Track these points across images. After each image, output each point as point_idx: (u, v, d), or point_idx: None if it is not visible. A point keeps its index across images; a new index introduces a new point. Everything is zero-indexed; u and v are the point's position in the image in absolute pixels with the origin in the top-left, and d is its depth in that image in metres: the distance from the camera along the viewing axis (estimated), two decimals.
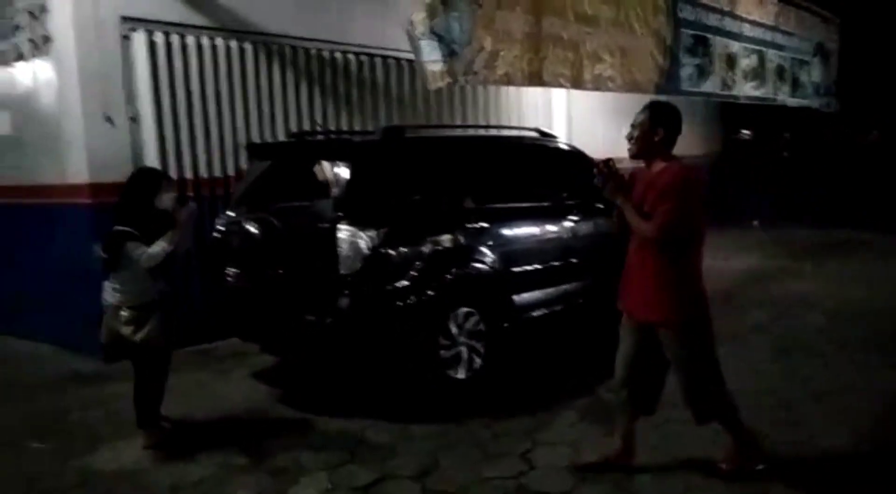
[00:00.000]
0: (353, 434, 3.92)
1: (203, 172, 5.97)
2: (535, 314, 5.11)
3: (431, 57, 5.04)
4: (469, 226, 4.69)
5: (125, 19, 5.43)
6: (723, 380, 3.19)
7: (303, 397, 4.63)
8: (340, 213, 4.15)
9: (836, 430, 3.76)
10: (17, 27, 5.82)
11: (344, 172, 4.34)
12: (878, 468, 3.42)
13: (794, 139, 13.98)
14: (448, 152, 4.98)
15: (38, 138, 5.72)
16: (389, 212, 4.31)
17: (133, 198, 3.72)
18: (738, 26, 8.64)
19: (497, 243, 4.79)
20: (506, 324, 4.81)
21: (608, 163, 3.15)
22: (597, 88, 6.44)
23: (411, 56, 5.43)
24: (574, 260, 5.33)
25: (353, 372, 4.77)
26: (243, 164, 5.86)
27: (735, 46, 8.61)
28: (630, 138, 3.17)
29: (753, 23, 8.97)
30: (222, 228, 4.95)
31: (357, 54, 7.06)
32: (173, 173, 5.74)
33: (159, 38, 5.64)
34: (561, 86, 6.32)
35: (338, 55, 6.91)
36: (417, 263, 4.31)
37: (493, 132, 7.21)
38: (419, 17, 5.01)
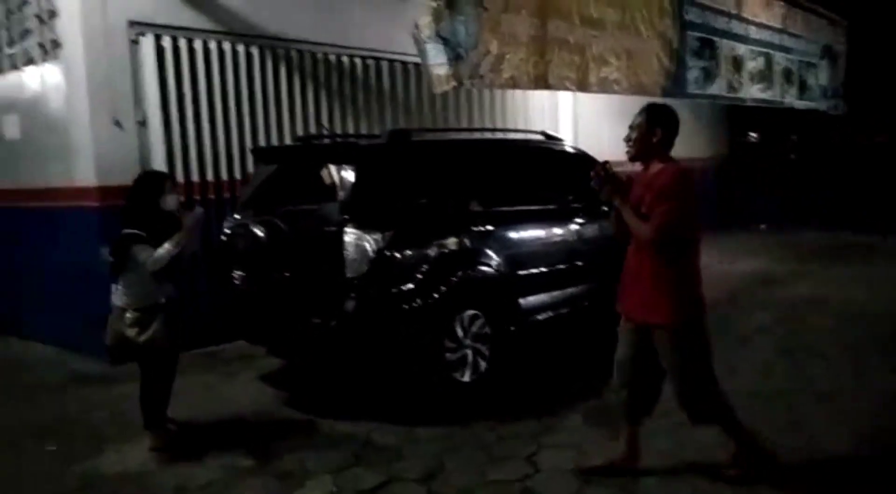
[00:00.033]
0: (358, 436, 3.93)
1: (210, 176, 6.00)
2: (540, 317, 5.11)
3: (437, 60, 5.05)
4: (475, 229, 4.69)
5: (133, 24, 5.47)
6: (716, 382, 3.19)
7: (309, 400, 4.65)
8: (346, 217, 4.16)
9: (839, 433, 3.75)
10: (26, 32, 5.88)
11: (350, 176, 4.35)
12: (881, 471, 3.41)
13: (801, 141, 13.93)
14: (454, 155, 4.99)
15: (47, 141, 5.77)
16: (395, 216, 4.32)
17: (138, 201, 3.75)
18: (744, 29, 8.62)
19: (503, 246, 4.79)
20: (511, 328, 4.81)
21: (604, 165, 3.16)
22: (602, 91, 6.44)
23: (418, 60, 5.44)
24: (580, 263, 5.33)
25: (359, 375, 4.78)
26: (250, 168, 5.89)
27: (742, 49, 8.60)
28: (628, 140, 3.18)
29: (760, 25, 8.96)
30: (229, 231, 4.97)
31: (364, 58, 7.08)
32: (180, 176, 5.79)
33: (167, 42, 5.69)
34: (566, 89, 6.33)
35: (344, 59, 6.94)
36: (423, 266, 4.32)
37: (499, 135, 7.21)
38: (425, 20, 5.02)
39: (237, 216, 4.98)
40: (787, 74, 9.80)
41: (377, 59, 7.19)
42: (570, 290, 5.29)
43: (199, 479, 3.48)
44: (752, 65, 8.86)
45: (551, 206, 5.36)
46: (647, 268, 3.09)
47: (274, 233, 4.54)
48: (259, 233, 4.59)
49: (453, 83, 5.15)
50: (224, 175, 6.09)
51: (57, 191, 5.71)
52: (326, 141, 6.09)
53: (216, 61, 6.00)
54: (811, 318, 6.31)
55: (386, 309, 4.20)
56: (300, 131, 6.55)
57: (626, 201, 3.11)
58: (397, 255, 4.23)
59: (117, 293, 3.72)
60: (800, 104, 10.22)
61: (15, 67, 6.06)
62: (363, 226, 4.12)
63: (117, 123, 5.41)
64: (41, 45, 5.71)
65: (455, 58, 5.00)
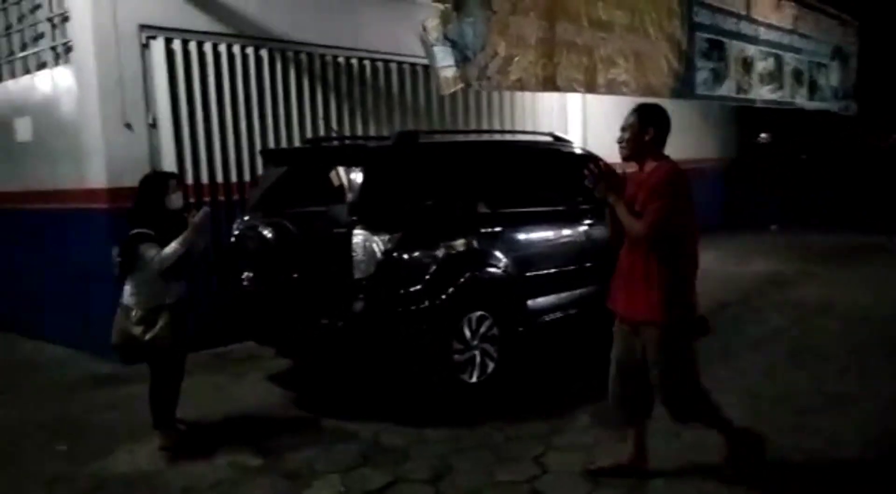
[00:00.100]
0: (366, 437, 3.94)
1: (220, 177, 6.04)
2: (548, 318, 5.12)
3: (445, 62, 5.06)
4: (483, 230, 4.70)
5: (144, 27, 5.52)
6: (699, 381, 3.19)
7: (317, 400, 4.67)
8: (355, 218, 4.18)
9: (846, 435, 3.74)
10: (39, 36, 5.95)
11: (358, 177, 4.37)
12: (887, 473, 3.39)
13: (812, 143, 13.85)
14: (462, 157, 5.00)
15: (59, 144, 5.82)
16: (403, 217, 4.34)
17: (143, 201, 3.80)
18: (754, 30, 8.57)
19: (511, 247, 4.80)
20: (519, 329, 4.82)
21: (598, 163, 3.18)
22: (611, 93, 6.43)
23: (426, 62, 5.46)
24: (588, 265, 5.32)
25: (367, 376, 4.79)
26: (260, 170, 5.92)
27: (751, 50, 8.55)
28: (621, 141, 3.20)
29: (770, 26, 8.90)
30: (238, 233, 5.00)
31: (372, 60, 7.11)
32: (190, 178, 5.84)
33: (177, 45, 5.73)
34: (575, 91, 6.32)
35: (353, 61, 6.97)
36: (431, 267, 4.34)
37: (508, 137, 7.22)
38: (433, 23, 5.04)
39: (246, 217, 5.02)
40: (798, 75, 9.73)
41: (386, 62, 7.21)
42: (577, 291, 5.28)
43: (208, 478, 3.51)
44: (762, 66, 8.81)
45: (559, 208, 5.36)
46: (639, 267, 3.10)
47: (283, 235, 4.56)
48: (268, 234, 4.61)
49: (461, 85, 5.15)
50: (234, 177, 6.13)
51: (68, 193, 5.76)
52: (335, 143, 6.12)
53: (226, 64, 6.04)
54: (820, 320, 6.27)
55: (394, 310, 4.21)
56: (309, 133, 6.59)
57: (620, 199, 3.12)
58: (405, 257, 4.25)
59: (126, 293, 3.76)
60: (810, 105, 10.15)
61: (27, 71, 6.12)
62: (371, 227, 4.13)
63: (128, 126, 5.46)
64: (53, 49, 5.78)
65: (463, 60, 5.01)
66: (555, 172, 5.47)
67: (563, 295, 5.22)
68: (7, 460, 3.86)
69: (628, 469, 3.33)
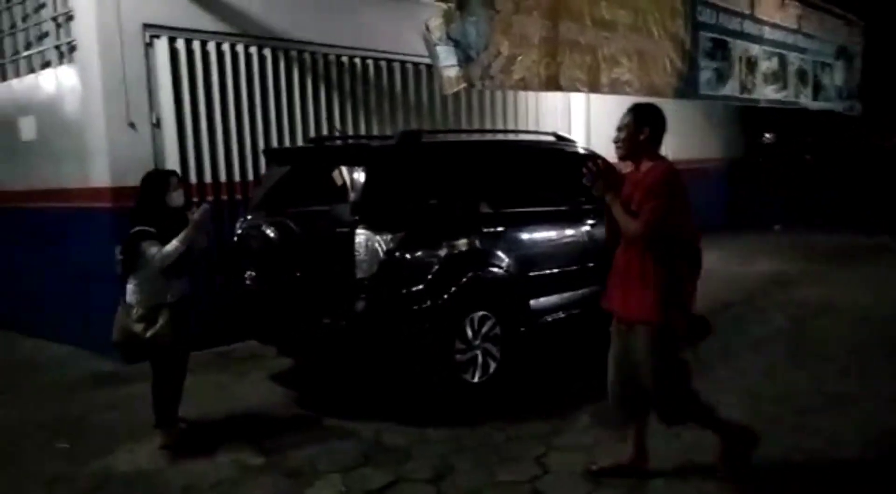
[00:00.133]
0: (368, 436, 3.95)
1: (223, 177, 6.05)
2: (551, 318, 5.11)
3: (448, 62, 5.06)
4: (485, 230, 4.70)
5: (148, 26, 5.53)
6: (689, 382, 3.20)
7: (319, 399, 4.68)
8: (357, 218, 4.18)
9: (846, 435, 3.74)
10: (43, 35, 5.97)
11: (361, 177, 4.38)
12: (886, 475, 3.39)
13: (817, 142, 13.81)
14: (465, 157, 5.00)
15: (63, 143, 5.84)
16: (406, 217, 4.34)
17: (145, 199, 3.81)
18: (758, 29, 8.56)
19: (513, 247, 4.80)
20: (522, 329, 4.82)
21: (596, 161, 3.19)
22: (614, 92, 6.43)
23: (429, 61, 5.47)
24: (590, 265, 5.31)
25: (369, 375, 4.80)
26: (263, 169, 5.93)
27: (755, 49, 8.54)
28: (617, 141, 3.21)
29: (774, 26, 8.89)
30: (241, 232, 5.01)
31: (375, 60, 7.11)
32: (194, 177, 5.85)
33: (181, 44, 5.75)
34: (578, 90, 6.32)
35: (356, 60, 6.98)
36: (434, 267, 4.34)
37: (511, 136, 7.22)
38: (436, 22, 5.04)
39: (249, 217, 5.03)
40: (802, 75, 9.71)
41: (389, 61, 7.21)
42: (580, 292, 5.28)
43: (210, 477, 3.51)
44: (766, 65, 8.80)
45: (562, 208, 5.35)
46: (635, 267, 3.10)
47: (285, 234, 4.57)
48: (271, 233, 4.62)
49: (463, 84, 5.16)
50: (237, 176, 6.14)
51: (72, 192, 5.78)
52: (338, 142, 6.13)
53: (229, 63, 6.05)
54: (821, 321, 6.26)
55: (396, 309, 4.22)
56: (312, 132, 6.59)
57: (616, 197, 3.12)
58: (408, 256, 4.25)
59: (129, 291, 3.77)
60: (814, 105, 10.13)
61: (32, 70, 6.14)
62: (374, 226, 4.14)
63: (132, 125, 5.47)
64: (57, 48, 5.80)
65: (466, 59, 5.01)
66: (558, 172, 5.46)
67: (566, 295, 5.21)
68: (7, 459, 3.87)
69: (629, 469, 3.34)
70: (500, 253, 4.70)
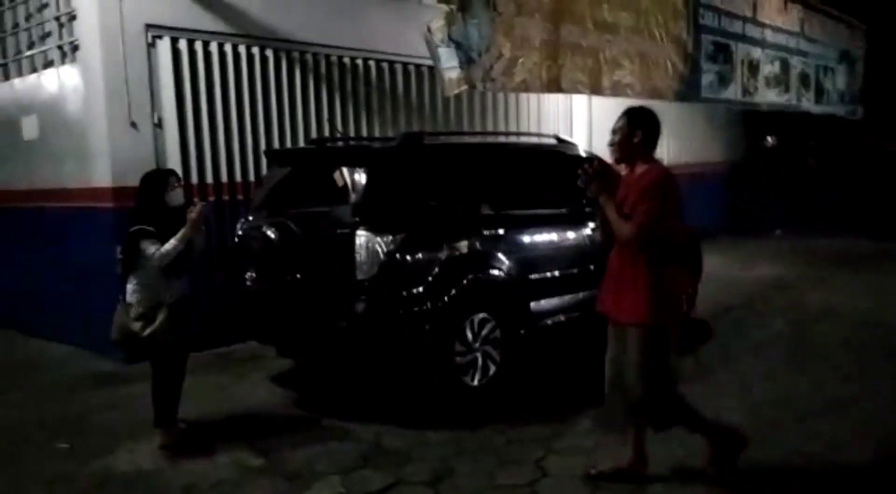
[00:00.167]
0: (367, 438, 3.94)
1: (224, 177, 6.05)
2: (551, 321, 5.11)
3: (449, 64, 5.07)
4: (486, 232, 4.70)
5: (150, 27, 5.54)
6: (675, 385, 3.21)
7: (318, 401, 4.67)
8: (358, 219, 4.18)
9: (846, 438, 3.74)
10: (46, 35, 5.98)
11: (362, 178, 4.38)
12: (886, 478, 3.39)
13: (819, 146, 13.80)
14: (466, 159, 5.00)
15: (65, 142, 5.85)
16: (407, 218, 4.34)
17: (144, 199, 3.82)
18: (760, 33, 8.57)
19: (514, 250, 4.79)
20: (522, 331, 4.81)
21: (592, 162, 3.19)
22: (615, 95, 6.43)
23: (431, 63, 5.47)
24: (591, 267, 5.30)
25: (369, 377, 4.80)
26: (264, 170, 5.93)
27: (757, 53, 8.55)
28: (611, 144, 3.23)
29: (777, 29, 8.90)
30: (242, 233, 5.01)
31: (378, 61, 7.12)
32: (195, 178, 5.86)
33: (183, 45, 5.75)
34: (579, 92, 6.33)
35: (359, 62, 6.98)
36: (434, 269, 4.33)
37: (512, 139, 7.21)
38: (437, 24, 5.04)
39: (250, 217, 5.03)
40: (804, 79, 9.72)
41: (391, 62, 7.22)
42: (580, 294, 5.27)
43: (210, 478, 3.51)
44: (768, 69, 8.81)
45: (563, 210, 5.35)
46: (627, 269, 3.12)
47: (286, 235, 4.57)
48: (271, 234, 4.62)
49: (465, 86, 5.17)
50: (238, 177, 6.14)
51: (74, 192, 5.78)
52: (339, 143, 6.13)
53: (231, 64, 6.06)
54: (823, 325, 6.25)
55: (396, 311, 4.22)
56: (314, 134, 6.60)
57: (610, 200, 3.13)
58: (408, 258, 4.25)
59: (128, 291, 3.78)
60: (817, 109, 10.14)
61: (34, 69, 6.15)
62: (374, 228, 4.14)
63: (133, 125, 5.47)
64: (60, 48, 5.80)
65: (467, 61, 5.02)
66: (558, 175, 5.45)
67: (566, 298, 5.21)
68: (7, 459, 3.87)
69: (628, 473, 3.33)
70: (500, 256, 4.70)
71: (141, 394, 4.07)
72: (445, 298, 4.30)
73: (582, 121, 9.52)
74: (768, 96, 8.93)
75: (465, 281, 4.42)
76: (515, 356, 4.74)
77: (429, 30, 5.12)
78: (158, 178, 3.91)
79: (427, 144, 4.90)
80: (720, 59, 7.82)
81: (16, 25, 6.31)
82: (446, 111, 7.76)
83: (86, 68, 5.53)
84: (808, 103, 9.87)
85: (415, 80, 7.46)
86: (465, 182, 4.79)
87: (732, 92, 8.17)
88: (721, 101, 8.23)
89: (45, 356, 5.91)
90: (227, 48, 6.02)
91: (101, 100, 5.39)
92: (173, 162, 5.68)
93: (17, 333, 6.52)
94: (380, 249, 4.12)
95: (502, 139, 7.41)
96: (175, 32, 5.69)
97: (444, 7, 5.05)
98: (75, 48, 5.63)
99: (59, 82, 5.87)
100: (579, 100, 9.22)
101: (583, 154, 5.84)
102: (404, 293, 4.23)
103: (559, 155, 5.70)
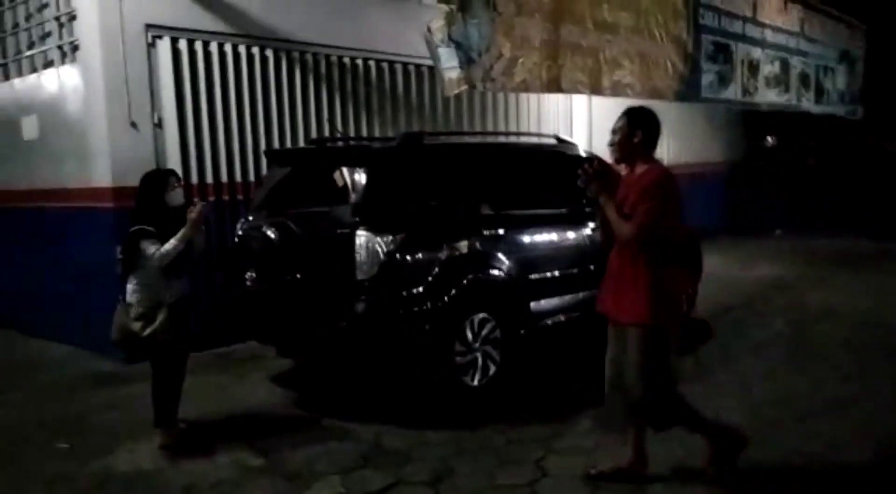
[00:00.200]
0: (367, 438, 3.94)
1: (224, 177, 6.05)
2: (551, 321, 5.11)
3: (449, 64, 5.07)
4: (486, 232, 4.70)
5: (150, 27, 5.54)
6: (675, 385, 3.21)
7: (319, 401, 4.68)
8: (358, 219, 4.18)
9: (847, 440, 3.74)
10: (46, 35, 5.98)
11: (362, 178, 4.38)
12: (886, 478, 3.40)
13: (819, 146, 13.80)
14: (466, 159, 5.00)
15: (65, 142, 5.85)
16: (407, 218, 4.34)
17: (144, 199, 3.82)
18: (760, 33, 8.57)
19: (514, 250, 4.79)
20: (522, 331, 4.81)
21: (592, 163, 3.20)
22: (616, 95, 6.43)
23: (431, 62, 5.47)
24: (591, 268, 5.30)
25: (369, 377, 4.80)
26: (264, 170, 5.93)
27: (757, 53, 8.54)
28: (611, 144, 3.24)
29: (777, 29, 8.90)
30: (242, 233, 5.01)
31: (377, 61, 7.12)
32: (195, 178, 5.86)
33: (183, 45, 5.75)
34: (579, 92, 6.33)
35: (359, 62, 6.98)
36: (434, 269, 4.34)
37: (512, 139, 7.21)
38: (437, 24, 5.05)
39: (250, 217, 5.03)
40: (804, 79, 9.72)
41: (391, 62, 7.22)
42: (580, 295, 5.27)
43: (209, 478, 3.51)
44: (768, 69, 8.81)
45: (563, 210, 5.35)
46: (627, 269, 3.12)
47: (286, 235, 4.57)
48: (271, 234, 4.62)
49: (464, 86, 5.17)
50: (238, 176, 6.14)
51: (74, 192, 5.78)
52: (339, 143, 6.13)
53: (231, 64, 6.06)
54: (823, 325, 6.25)
55: (396, 311, 4.22)
56: (314, 134, 6.60)
57: (610, 200, 3.14)
58: (408, 258, 4.25)
59: (128, 291, 3.78)
60: (817, 109, 10.14)
61: (34, 69, 6.15)
62: (374, 228, 4.14)
63: (133, 125, 5.47)
64: (60, 48, 5.80)
65: (467, 61, 5.02)
66: (558, 175, 5.46)
67: (566, 298, 5.21)
68: (7, 459, 3.87)
69: (628, 473, 3.33)
70: (500, 256, 4.70)
71: (141, 394, 4.07)
72: (445, 298, 4.30)
73: (582, 121, 9.52)
74: (768, 96, 8.93)
75: (465, 282, 4.42)
76: (515, 356, 4.74)
77: (429, 30, 5.12)
78: (158, 178, 3.91)
79: (427, 144, 4.90)
80: (720, 58, 7.82)
81: (16, 25, 6.31)
82: (446, 111, 7.76)
83: (86, 68, 5.53)
84: (808, 103, 9.87)
85: (415, 80, 7.46)
86: (465, 182, 4.79)
87: (732, 92, 8.17)
88: (721, 101, 8.23)
89: (45, 356, 5.91)
90: (227, 48, 6.02)
91: (101, 100, 5.39)
92: (173, 162, 5.68)
93: (17, 333, 6.52)
94: (380, 249, 4.12)
95: (502, 139, 7.41)
96: (175, 32, 5.69)
97: (444, 7, 5.05)
98: (75, 48, 5.63)
99: (59, 82, 5.87)
100: (579, 101, 9.23)
101: (583, 154, 5.85)
102: (404, 293, 4.23)
103: (559, 155, 5.70)
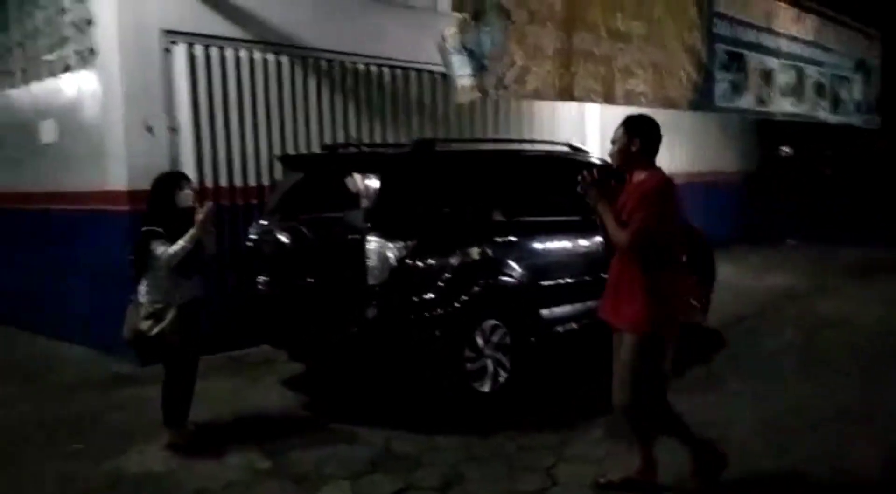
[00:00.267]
0: (377, 443, 3.95)
1: (238, 182, 6.10)
2: (562, 329, 5.10)
3: (462, 71, 5.09)
4: (497, 239, 4.71)
5: (166, 32, 5.60)
6: (665, 393, 3.20)
7: (329, 405, 4.69)
8: (370, 225, 4.20)
9: (858, 449, 3.71)
10: (64, 40, 6.06)
11: (375, 184, 4.40)
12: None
13: (835, 155, 13.69)
14: (478, 166, 5.01)
15: (82, 146, 5.91)
16: (418, 224, 4.36)
17: (155, 201, 3.86)
18: (775, 42, 8.51)
19: (525, 257, 4.80)
20: (532, 338, 4.81)
21: (592, 171, 3.22)
22: (628, 104, 6.40)
23: (445, 70, 5.49)
24: (603, 275, 5.28)
25: (379, 382, 4.81)
26: (278, 175, 5.97)
27: (772, 62, 8.49)
28: (612, 154, 3.28)
29: (791, 38, 8.84)
30: (255, 237, 5.05)
31: (392, 68, 7.16)
32: (210, 182, 5.90)
33: (199, 50, 5.81)
34: (592, 101, 6.32)
35: (373, 68, 7.02)
36: (445, 275, 4.35)
37: (525, 146, 7.22)
38: (451, 31, 5.07)
39: (264, 222, 5.06)
40: (820, 88, 9.64)
41: (405, 69, 7.25)
42: (591, 302, 5.23)
43: (220, 480, 3.53)
44: (783, 78, 8.75)
45: (574, 217, 5.33)
46: (625, 276, 3.14)
47: (298, 240, 4.60)
48: (284, 239, 4.65)
49: (478, 94, 5.18)
50: (252, 181, 6.19)
51: (90, 195, 5.85)
52: (353, 150, 6.15)
53: (246, 70, 6.11)
54: (835, 335, 6.20)
55: (407, 316, 4.23)
56: (327, 140, 6.63)
57: (609, 207, 3.15)
58: (419, 264, 4.26)
59: (140, 292, 3.82)
60: (833, 119, 10.05)
61: (52, 74, 6.23)
62: (386, 234, 4.16)
63: (149, 129, 5.53)
64: (78, 53, 5.88)
65: (480, 69, 5.03)
66: (570, 182, 5.44)
67: (577, 305, 5.19)
68: (20, 458, 3.91)
69: (637, 482, 3.32)
70: (511, 263, 4.70)
71: (154, 396, 4.10)
72: (456, 304, 4.31)
73: (594, 128, 9.51)
74: (783, 105, 8.86)
75: (475, 288, 4.42)
76: (526, 363, 4.73)
77: (443, 37, 5.14)
78: (169, 180, 3.96)
79: (439, 151, 4.92)
80: (734, 68, 7.78)
81: (35, 30, 6.40)
82: (459, 118, 7.78)
83: (103, 73, 5.60)
84: (823, 113, 9.79)
85: (428, 87, 7.49)
86: (476, 189, 4.80)
87: (746, 101, 8.12)
88: (735, 110, 8.17)
89: (62, 357, 5.97)
90: (243, 54, 6.08)
91: (118, 104, 5.46)
92: (188, 166, 5.73)
93: (34, 334, 6.58)
94: (391, 255, 4.14)
95: (514, 146, 7.42)
96: (191, 38, 5.75)
97: (458, 15, 5.07)
98: (93, 53, 5.70)
99: (76, 87, 5.94)
100: (592, 108, 9.21)
101: (595, 161, 5.84)
102: (415, 299, 4.25)
103: (571, 162, 5.69)
